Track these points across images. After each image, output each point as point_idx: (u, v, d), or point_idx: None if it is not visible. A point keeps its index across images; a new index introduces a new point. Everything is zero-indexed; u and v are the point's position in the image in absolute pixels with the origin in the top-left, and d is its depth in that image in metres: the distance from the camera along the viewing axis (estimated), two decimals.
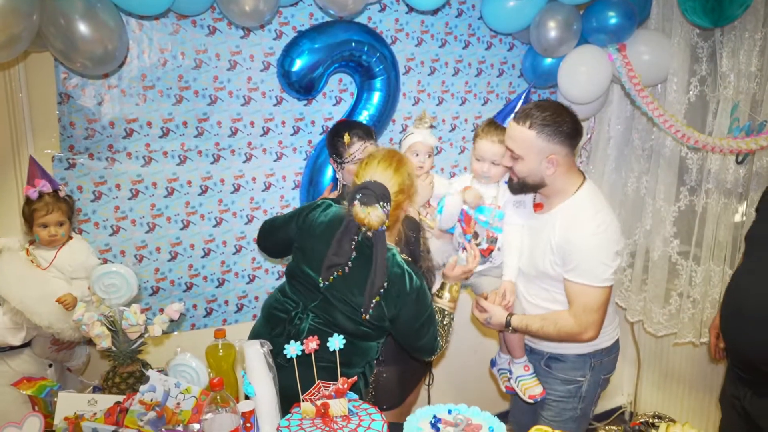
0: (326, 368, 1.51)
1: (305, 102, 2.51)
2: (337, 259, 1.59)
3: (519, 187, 1.85)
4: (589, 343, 1.85)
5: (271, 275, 2.58)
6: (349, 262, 1.60)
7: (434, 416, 1.41)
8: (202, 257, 2.45)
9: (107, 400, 1.51)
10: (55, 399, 1.52)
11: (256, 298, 2.57)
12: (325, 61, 2.29)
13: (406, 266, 1.65)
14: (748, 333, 1.66)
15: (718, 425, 2.03)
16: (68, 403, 1.50)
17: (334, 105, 2.56)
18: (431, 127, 2.07)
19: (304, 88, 2.33)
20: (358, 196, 1.55)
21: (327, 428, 1.38)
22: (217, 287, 2.51)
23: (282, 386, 1.54)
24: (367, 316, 1.59)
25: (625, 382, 3.33)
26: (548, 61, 2.63)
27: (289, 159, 2.52)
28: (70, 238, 2.01)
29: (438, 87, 2.73)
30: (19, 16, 1.64)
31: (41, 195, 1.90)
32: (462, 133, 2.83)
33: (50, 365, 2.00)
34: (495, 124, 1.93)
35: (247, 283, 2.56)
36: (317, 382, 1.47)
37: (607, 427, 1.77)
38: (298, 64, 2.27)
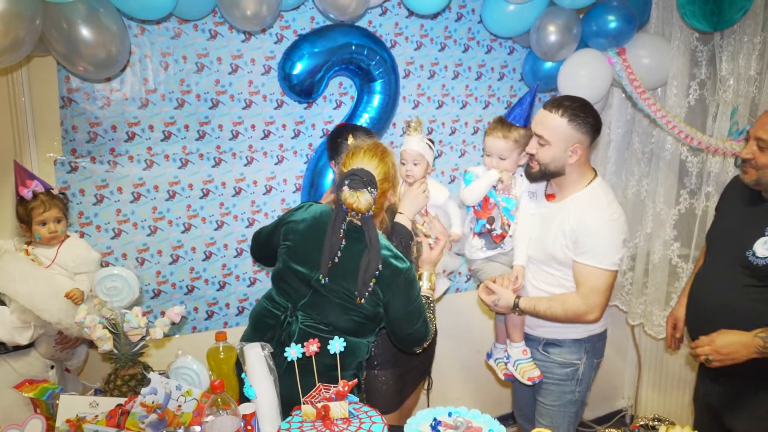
0: (320, 372, 1.51)
1: (306, 105, 2.52)
2: (332, 247, 1.62)
3: (539, 174, 1.95)
4: (583, 329, 1.99)
5: None
6: (339, 251, 1.64)
7: (434, 419, 1.42)
8: (204, 260, 2.46)
9: (109, 403, 1.51)
10: (57, 401, 1.52)
11: (257, 301, 2.56)
12: (325, 64, 2.31)
13: (394, 249, 1.69)
14: (706, 329, 1.77)
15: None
16: (70, 406, 1.50)
17: (335, 108, 2.57)
18: (430, 135, 2.07)
19: (305, 91, 2.34)
20: (346, 182, 1.61)
21: (327, 431, 1.38)
22: (218, 290, 2.52)
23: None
24: (362, 300, 1.62)
25: (626, 385, 3.33)
26: (548, 64, 2.63)
27: (289, 162, 2.53)
28: (68, 236, 2.02)
29: (438, 90, 2.74)
30: (22, 20, 1.65)
31: (35, 194, 1.92)
32: (462, 137, 2.84)
33: (52, 367, 2.00)
34: (502, 121, 1.99)
35: (248, 286, 2.57)
36: (317, 384, 1.47)
37: (607, 430, 1.76)
38: (299, 68, 2.28)
